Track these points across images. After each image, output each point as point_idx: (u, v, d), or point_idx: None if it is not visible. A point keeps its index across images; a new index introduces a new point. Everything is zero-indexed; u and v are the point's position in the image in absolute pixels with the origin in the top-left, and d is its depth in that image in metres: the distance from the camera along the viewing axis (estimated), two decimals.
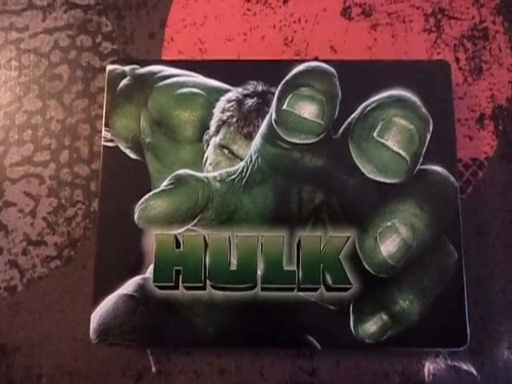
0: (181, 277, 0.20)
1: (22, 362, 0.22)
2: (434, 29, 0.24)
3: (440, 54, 0.24)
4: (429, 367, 0.22)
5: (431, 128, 0.20)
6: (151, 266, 0.20)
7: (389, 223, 0.19)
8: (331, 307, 0.20)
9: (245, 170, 0.20)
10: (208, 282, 0.20)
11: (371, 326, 0.19)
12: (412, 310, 0.19)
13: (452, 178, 0.20)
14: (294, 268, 0.20)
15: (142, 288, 0.20)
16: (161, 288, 0.20)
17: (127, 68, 0.22)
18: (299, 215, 0.20)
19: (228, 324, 0.20)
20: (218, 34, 0.24)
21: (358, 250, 0.19)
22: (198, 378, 0.22)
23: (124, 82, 0.21)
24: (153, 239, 0.20)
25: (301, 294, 0.20)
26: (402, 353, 0.22)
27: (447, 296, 0.19)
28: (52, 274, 0.23)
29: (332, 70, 0.20)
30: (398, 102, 0.19)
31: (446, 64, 0.22)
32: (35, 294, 0.23)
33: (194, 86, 0.21)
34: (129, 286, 0.20)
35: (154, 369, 0.22)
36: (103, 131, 0.21)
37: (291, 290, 0.20)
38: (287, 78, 0.20)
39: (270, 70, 0.21)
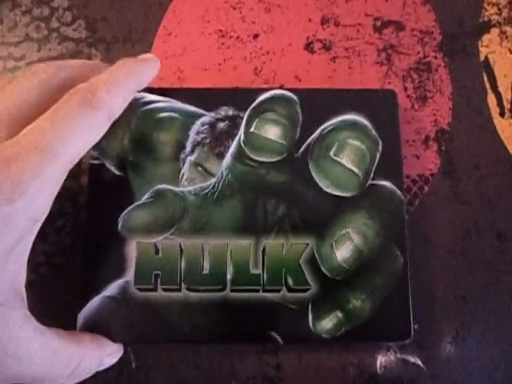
0: (159, 280, 0.22)
1: None
2: (385, 62, 0.28)
3: (391, 83, 0.27)
4: (380, 360, 0.24)
5: (380, 148, 0.23)
6: (133, 270, 0.22)
7: (343, 231, 0.21)
8: (292, 306, 0.22)
9: (216, 185, 0.22)
10: (183, 284, 0.22)
11: (327, 323, 0.21)
12: (363, 308, 0.21)
13: (398, 192, 0.23)
14: (260, 271, 0.22)
15: (124, 290, 0.22)
16: (141, 290, 0.22)
17: None
18: (264, 225, 0.22)
19: (202, 322, 0.22)
20: (195, 65, 0.27)
21: (316, 255, 0.22)
22: (175, 373, 0.24)
23: None
24: (134, 246, 0.22)
25: (265, 294, 0.22)
26: (356, 347, 0.24)
27: (394, 296, 0.22)
28: (41, 280, 0.25)
29: (294, 97, 0.23)
30: (352, 125, 0.23)
31: (392, 93, 0.25)
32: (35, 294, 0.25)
33: (173, 110, 0.23)
34: (112, 289, 0.22)
35: (134, 365, 0.24)
36: (91, 151, 0.23)
37: (257, 291, 0.22)
38: (254, 104, 0.23)
39: (240, 97, 0.24)
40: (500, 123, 0.27)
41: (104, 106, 0.19)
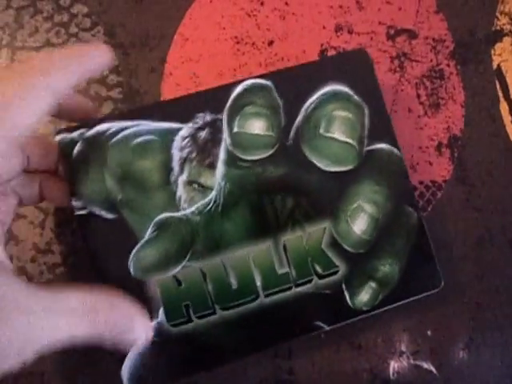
0: (191, 310, 0.21)
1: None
2: (398, 69, 0.28)
3: (403, 90, 0.28)
4: (393, 365, 0.24)
5: (367, 111, 0.22)
6: (161, 309, 0.21)
7: (355, 205, 0.21)
8: (327, 291, 0.21)
9: (217, 197, 0.21)
10: (216, 306, 0.21)
11: (364, 296, 0.21)
12: (393, 271, 0.21)
13: (395, 151, 0.22)
14: (287, 269, 0.21)
15: (159, 332, 0.21)
16: (175, 326, 0.21)
17: (75, 134, 0.21)
18: (277, 223, 0.21)
19: (245, 335, 0.21)
20: (211, 70, 0.28)
21: (335, 235, 0.21)
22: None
23: (77, 148, 0.21)
24: (155, 285, 0.21)
25: (298, 289, 0.21)
26: (370, 353, 0.24)
27: (417, 250, 0.22)
28: (57, 279, 0.25)
29: (267, 82, 0.22)
30: (333, 96, 0.22)
31: (363, 52, 0.23)
32: None
33: (146, 133, 0.21)
34: None
35: None
36: (71, 202, 0.21)
37: (290, 288, 0.21)
38: (229, 102, 0.21)
39: (212, 99, 0.22)
40: None
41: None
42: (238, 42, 0.28)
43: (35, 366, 0.24)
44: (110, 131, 0.21)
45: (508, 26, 0.29)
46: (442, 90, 0.28)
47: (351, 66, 0.23)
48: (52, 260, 0.26)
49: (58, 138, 0.21)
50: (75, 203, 0.21)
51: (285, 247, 0.21)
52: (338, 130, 0.21)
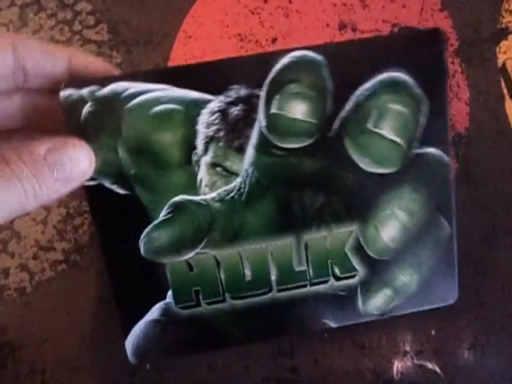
0: (200, 296, 0.20)
1: (28, 357, 0.24)
2: None
3: None
4: (397, 365, 0.24)
5: (426, 108, 0.19)
6: (170, 292, 0.20)
7: (388, 211, 0.19)
8: (341, 293, 0.21)
9: (242, 185, 0.19)
10: (227, 294, 0.20)
11: (377, 302, 0.21)
12: (412, 283, 0.20)
13: (446, 158, 0.20)
14: (305, 268, 0.20)
15: (166, 312, 0.20)
16: (184, 308, 0.20)
17: (85, 91, 0.18)
18: (303, 220, 0.20)
19: (252, 324, 0.21)
20: None
21: (360, 240, 0.20)
22: (189, 374, 0.24)
23: (87, 109, 0.18)
24: (166, 267, 0.20)
25: (313, 288, 0.21)
26: (374, 352, 0.24)
27: (440, 263, 0.21)
28: (59, 276, 0.25)
29: (319, 57, 0.18)
30: (391, 85, 0.18)
31: (438, 33, 0.19)
32: (42, 295, 0.25)
33: (170, 101, 0.18)
34: (154, 313, 0.20)
35: (148, 365, 0.24)
36: None
37: (304, 286, 0.21)
38: (271, 75, 0.18)
39: (253, 69, 0.18)
40: None
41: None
42: (241, 40, 0.28)
43: (37, 365, 0.24)
44: (127, 93, 0.18)
45: None
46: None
47: (419, 50, 0.19)
48: (54, 257, 0.25)
49: (63, 94, 0.18)
50: None
51: (306, 245, 0.20)
52: (387, 126, 0.18)
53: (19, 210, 0.16)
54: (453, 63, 0.28)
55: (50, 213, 0.26)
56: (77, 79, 0.18)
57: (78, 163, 0.17)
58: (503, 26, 0.28)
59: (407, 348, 0.24)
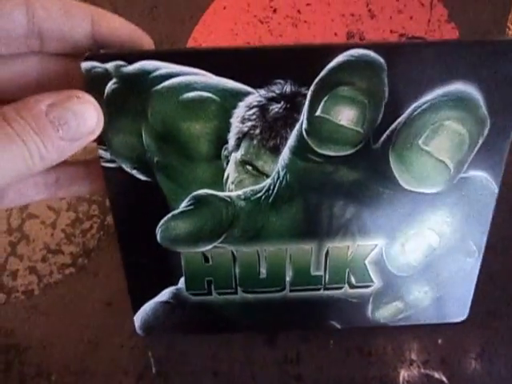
0: (212, 286, 0.21)
1: (34, 360, 0.24)
2: None
3: None
4: (403, 375, 0.24)
5: (486, 132, 0.17)
6: (183, 278, 0.20)
7: (418, 230, 0.19)
8: (354, 300, 0.21)
9: (272, 187, 0.18)
10: (239, 288, 0.21)
11: (386, 312, 0.21)
12: (425, 299, 0.20)
13: (493, 185, 0.18)
14: (322, 273, 0.20)
15: (176, 296, 0.21)
16: (195, 295, 0.21)
17: (110, 65, 0.16)
18: (329, 229, 0.19)
19: (260, 317, 0.22)
20: None
21: (383, 255, 0.19)
22: (195, 380, 0.24)
23: (111, 85, 0.16)
24: (181, 255, 0.20)
25: (326, 292, 0.21)
26: (380, 361, 0.24)
27: (458, 284, 0.21)
28: (66, 280, 0.25)
29: (381, 60, 0.16)
30: (455, 101, 0.16)
31: None
32: (50, 298, 0.25)
33: (204, 88, 0.16)
34: (164, 295, 0.21)
35: (154, 370, 0.24)
36: (98, 150, 0.17)
37: (318, 289, 0.21)
38: (323, 73, 0.16)
39: (303, 63, 0.16)
40: None
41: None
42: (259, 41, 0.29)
43: (43, 367, 0.24)
44: (157, 73, 0.16)
45: None
46: None
47: (495, 63, 0.16)
48: (62, 260, 0.26)
49: (85, 65, 0.16)
50: (103, 153, 0.17)
51: (327, 253, 0.20)
52: (438, 145, 0.17)
53: (26, 171, 0.14)
54: None
55: (59, 216, 0.26)
56: (102, 53, 0.16)
57: (84, 120, 0.15)
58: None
59: (414, 357, 0.24)
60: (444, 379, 0.24)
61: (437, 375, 0.24)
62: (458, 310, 0.22)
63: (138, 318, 0.22)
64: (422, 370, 0.24)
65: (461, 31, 0.29)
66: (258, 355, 0.24)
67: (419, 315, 0.21)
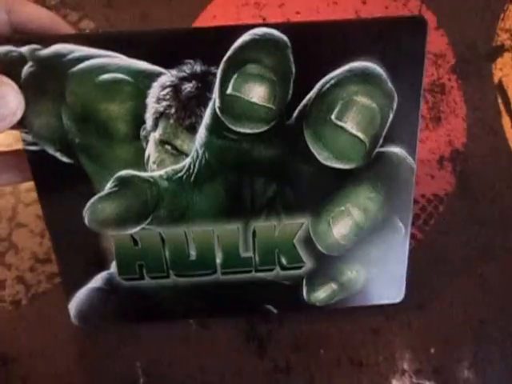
0: (144, 270, 0.21)
1: (21, 371, 0.24)
2: None
3: None
4: None
5: (395, 105, 0.18)
6: (114, 262, 0.20)
7: (342, 208, 0.19)
8: (286, 282, 0.21)
9: (192, 166, 0.18)
10: (171, 271, 0.21)
11: (321, 294, 0.21)
12: (358, 279, 0.21)
13: (409, 160, 0.19)
14: (251, 254, 0.20)
15: (110, 281, 0.21)
16: (127, 280, 0.21)
17: (25, 49, 0.17)
18: (252, 208, 0.19)
19: (194, 302, 0.22)
20: None
21: (311, 234, 0.19)
22: None
23: (27, 69, 0.17)
24: (111, 238, 0.20)
25: (258, 274, 0.21)
26: (371, 370, 0.23)
27: (391, 263, 0.21)
28: (55, 289, 0.25)
29: (284, 37, 0.16)
30: (361, 76, 0.17)
31: (420, 21, 0.17)
32: (38, 307, 0.25)
33: (118, 70, 0.17)
34: (97, 281, 0.21)
35: (141, 380, 0.24)
36: (20, 133, 0.18)
37: (249, 271, 0.21)
38: (229, 52, 0.16)
39: (211, 43, 0.17)
40: None
41: None
42: None
43: (30, 379, 0.24)
44: (71, 56, 0.17)
45: (509, 42, 0.29)
46: (443, 103, 0.28)
47: (397, 38, 0.17)
48: (51, 269, 0.25)
49: (0, 49, 0.17)
50: (25, 136, 0.18)
51: (254, 233, 0.20)
52: (351, 120, 0.17)
53: None
54: (449, 79, 0.28)
55: None
56: (16, 37, 0.17)
57: (5, 102, 0.15)
58: (499, 43, 0.29)
59: (405, 367, 0.24)
60: None
61: None
62: (394, 291, 0.22)
63: (73, 306, 0.21)
64: (414, 380, 0.23)
65: (450, 38, 0.29)
66: (248, 365, 0.24)
67: (355, 297, 0.21)
